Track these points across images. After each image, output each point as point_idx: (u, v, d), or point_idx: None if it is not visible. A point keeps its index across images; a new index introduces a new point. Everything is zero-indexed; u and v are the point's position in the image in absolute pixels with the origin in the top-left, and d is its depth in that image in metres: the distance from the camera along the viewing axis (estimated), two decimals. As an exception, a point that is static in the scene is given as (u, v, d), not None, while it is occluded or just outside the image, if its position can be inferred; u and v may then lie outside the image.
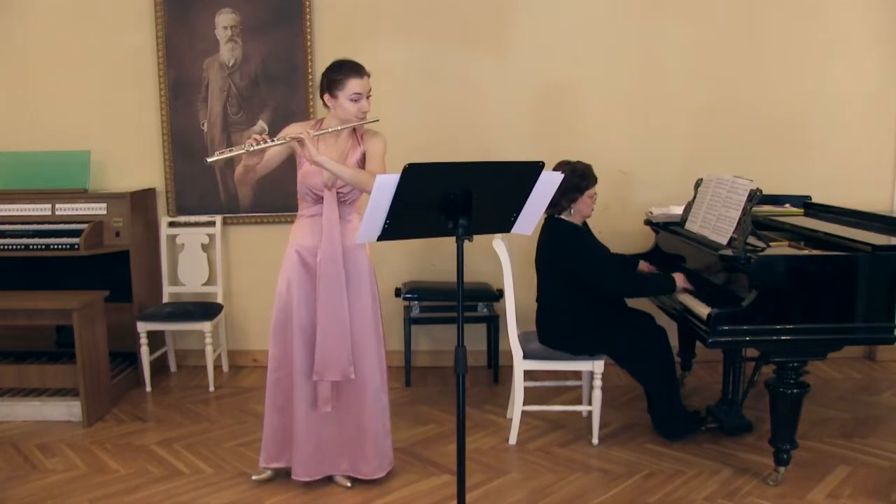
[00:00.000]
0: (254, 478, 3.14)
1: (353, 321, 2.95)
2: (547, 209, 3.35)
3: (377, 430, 3.04)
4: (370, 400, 3.01)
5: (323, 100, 2.90)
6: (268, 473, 3.14)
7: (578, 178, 3.31)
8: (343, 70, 2.84)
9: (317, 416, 3.00)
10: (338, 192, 2.89)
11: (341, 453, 3.07)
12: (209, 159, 2.73)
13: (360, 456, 3.06)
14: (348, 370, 2.93)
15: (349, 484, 3.07)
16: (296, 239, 2.97)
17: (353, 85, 2.81)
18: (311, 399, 2.98)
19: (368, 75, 2.86)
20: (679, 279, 3.36)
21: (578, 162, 3.38)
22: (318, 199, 2.90)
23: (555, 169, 3.33)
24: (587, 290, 3.34)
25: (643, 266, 3.73)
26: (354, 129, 2.96)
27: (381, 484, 3.10)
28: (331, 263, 2.88)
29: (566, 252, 3.34)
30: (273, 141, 2.73)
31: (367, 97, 2.86)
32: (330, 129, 2.85)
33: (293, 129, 2.88)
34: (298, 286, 2.95)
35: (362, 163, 2.93)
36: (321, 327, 2.90)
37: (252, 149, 2.67)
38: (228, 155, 2.71)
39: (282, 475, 3.14)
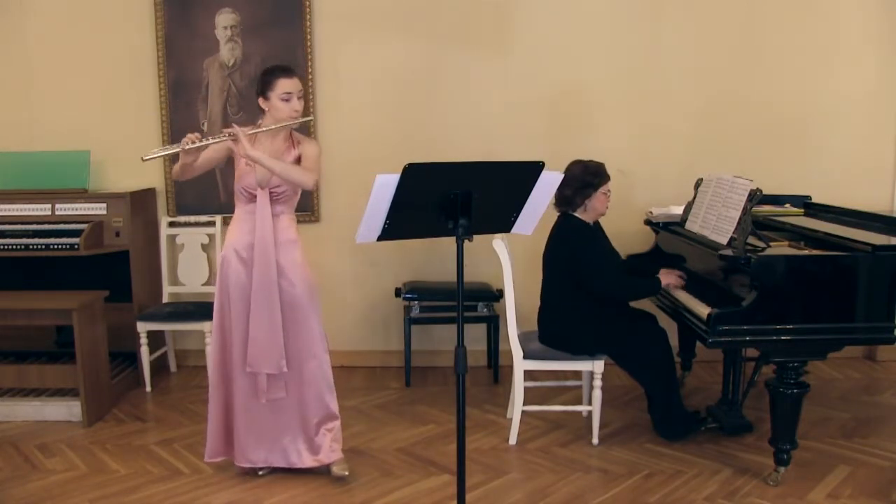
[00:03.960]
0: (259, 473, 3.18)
1: (287, 314, 3.02)
2: (561, 206, 3.41)
3: (315, 421, 3.09)
4: (309, 391, 3.08)
5: (259, 104, 2.99)
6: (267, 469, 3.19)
7: (591, 176, 3.36)
8: (273, 72, 2.97)
9: (257, 407, 3.07)
10: (271, 192, 2.97)
11: (283, 445, 3.12)
12: (145, 157, 2.86)
13: (294, 446, 3.11)
14: (280, 363, 3.01)
15: (346, 473, 3.10)
16: (231, 238, 3.05)
17: (283, 84, 2.92)
18: (251, 391, 3.06)
19: (299, 77, 2.98)
20: (664, 277, 3.41)
21: (591, 161, 3.43)
22: (252, 198, 2.99)
23: (567, 168, 3.36)
24: (586, 288, 3.35)
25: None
26: (291, 134, 3.05)
27: (380, 484, 3.11)
28: (263, 259, 2.97)
29: (571, 246, 3.36)
30: (209, 139, 2.86)
31: (299, 98, 2.95)
32: (264, 128, 2.94)
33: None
34: (236, 283, 3.02)
35: (297, 165, 3.02)
36: (254, 321, 2.99)
37: (189, 147, 2.82)
38: (163, 153, 2.93)
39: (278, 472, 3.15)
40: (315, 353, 3.07)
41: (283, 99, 2.91)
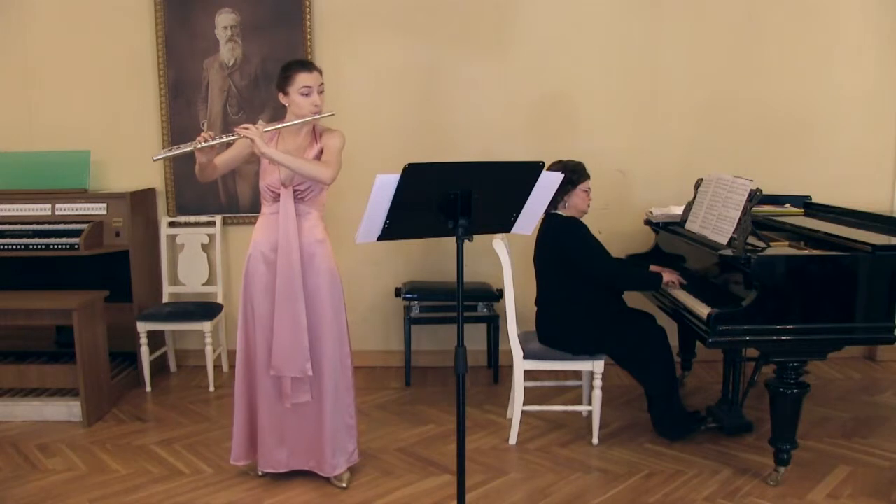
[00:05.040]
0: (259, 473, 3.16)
1: (311, 317, 2.97)
2: None
3: (336, 427, 3.04)
4: (329, 397, 3.01)
5: (280, 101, 2.97)
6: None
7: (571, 173, 3.37)
8: (292, 66, 2.91)
9: (280, 410, 3.04)
10: (294, 190, 2.92)
11: (306, 448, 3.08)
12: (155, 157, 2.87)
13: (319, 453, 3.07)
14: (305, 367, 2.95)
15: (344, 485, 3.07)
16: (256, 239, 3.02)
17: (302, 79, 2.86)
18: (274, 393, 3.03)
19: (319, 71, 2.93)
20: (666, 275, 3.42)
21: (570, 160, 3.44)
22: (277, 197, 2.94)
23: (547, 169, 3.36)
24: (584, 283, 3.36)
25: (654, 269, 3.69)
26: (314, 128, 3.00)
27: (380, 484, 3.10)
28: (287, 260, 2.92)
29: (562, 241, 3.36)
30: (222, 137, 2.81)
31: (320, 92, 2.90)
32: (278, 125, 2.89)
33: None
34: (261, 284, 2.99)
35: (319, 159, 2.95)
36: (278, 323, 2.94)
37: (200, 146, 2.76)
38: (176, 153, 2.84)
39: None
40: (333, 356, 3.00)
41: (302, 94, 2.86)
